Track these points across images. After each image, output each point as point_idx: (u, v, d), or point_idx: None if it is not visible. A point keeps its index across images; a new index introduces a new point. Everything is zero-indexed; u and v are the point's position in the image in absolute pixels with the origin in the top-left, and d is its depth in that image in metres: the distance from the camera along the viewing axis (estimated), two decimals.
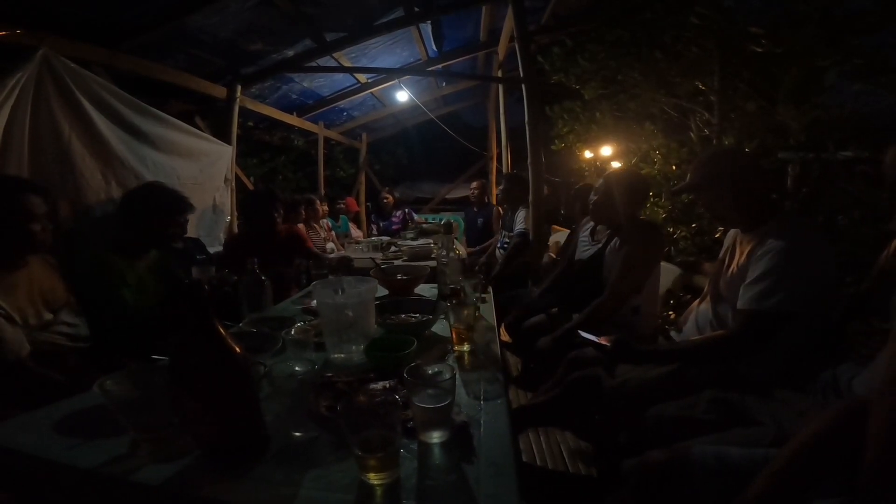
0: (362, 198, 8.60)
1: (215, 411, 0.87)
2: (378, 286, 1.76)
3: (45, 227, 1.73)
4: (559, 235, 4.06)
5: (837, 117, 2.42)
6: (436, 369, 1.04)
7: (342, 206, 6.49)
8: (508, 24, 4.86)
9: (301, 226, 4.38)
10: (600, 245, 2.45)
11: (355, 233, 6.34)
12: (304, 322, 1.70)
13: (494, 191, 7.13)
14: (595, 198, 2.42)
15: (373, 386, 1.14)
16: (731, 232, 1.78)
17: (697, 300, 1.81)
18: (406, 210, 6.58)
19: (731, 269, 1.60)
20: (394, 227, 6.22)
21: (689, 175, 1.77)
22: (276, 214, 3.16)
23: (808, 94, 2.44)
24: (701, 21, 2.80)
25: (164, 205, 2.25)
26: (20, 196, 1.67)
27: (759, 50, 2.62)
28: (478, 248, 5.25)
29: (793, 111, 2.44)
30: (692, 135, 3.25)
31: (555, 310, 2.58)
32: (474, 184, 5.82)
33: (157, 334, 1.82)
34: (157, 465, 0.89)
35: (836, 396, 1.30)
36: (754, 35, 2.64)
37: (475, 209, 5.68)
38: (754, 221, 1.57)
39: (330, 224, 5.58)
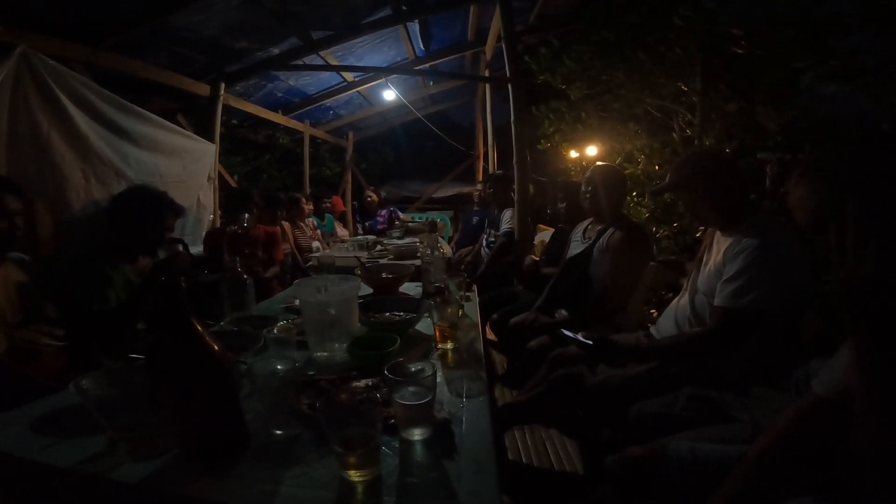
0: (348, 197, 8.56)
1: (194, 409, 0.87)
2: (362, 284, 1.76)
3: (19, 225, 1.72)
4: (544, 235, 4.07)
5: (813, 119, 2.47)
6: (418, 367, 1.04)
7: (328, 204, 6.46)
8: (496, 24, 4.88)
9: (287, 224, 4.37)
10: (590, 242, 2.49)
11: (341, 232, 6.31)
12: (287, 321, 1.69)
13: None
14: (587, 190, 2.51)
15: (355, 384, 1.15)
16: (710, 230, 1.81)
17: (677, 297, 1.84)
18: (391, 209, 6.57)
19: (708, 267, 1.63)
20: (379, 226, 6.20)
21: (668, 175, 1.80)
22: (247, 214, 3.21)
23: (786, 95, 2.48)
24: (684, 23, 2.84)
25: (154, 208, 2.23)
26: None
27: (740, 51, 2.66)
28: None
29: (771, 112, 2.48)
30: (675, 135, 3.29)
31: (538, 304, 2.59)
32: (479, 186, 5.83)
33: (129, 328, 1.82)
34: (136, 464, 0.89)
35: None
36: (735, 37, 2.68)
37: (475, 208, 5.66)
38: (731, 221, 1.60)
39: (315, 223, 5.55)
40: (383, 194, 6.76)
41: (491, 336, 2.98)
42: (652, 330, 1.91)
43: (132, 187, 2.41)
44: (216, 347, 0.88)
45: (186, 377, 0.85)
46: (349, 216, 8.11)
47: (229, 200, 3.46)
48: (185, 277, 2.17)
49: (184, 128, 3.94)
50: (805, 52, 2.38)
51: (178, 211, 2.36)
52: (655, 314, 2.75)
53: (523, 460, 2.14)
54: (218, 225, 4.16)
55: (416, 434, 0.95)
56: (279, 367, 1.18)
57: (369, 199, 6.49)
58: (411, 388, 0.95)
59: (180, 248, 2.17)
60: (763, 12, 2.65)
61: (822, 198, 1.04)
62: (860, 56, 2.34)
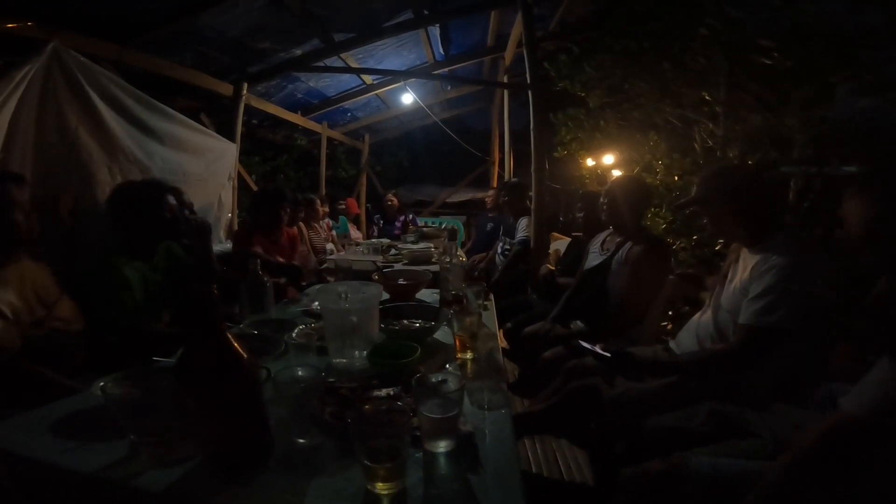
0: (363, 199, 8.60)
1: (222, 418, 0.86)
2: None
3: (29, 217, 1.68)
4: (559, 244, 4.07)
5: (842, 132, 2.44)
6: (441, 378, 1.04)
7: (343, 206, 6.48)
8: (516, 30, 4.88)
9: (302, 226, 4.40)
10: (608, 254, 2.48)
11: (354, 234, 6.33)
12: (306, 325, 1.69)
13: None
14: (606, 201, 2.50)
15: (377, 393, 1.15)
16: (735, 245, 1.79)
17: (699, 313, 1.82)
18: (410, 216, 6.56)
19: (733, 284, 1.61)
20: (396, 231, 6.20)
21: (694, 189, 1.79)
22: (284, 214, 3.25)
23: (818, 109, 2.45)
24: (709, 32, 2.81)
25: (145, 195, 2.15)
26: None
27: (769, 63, 2.62)
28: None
29: (798, 125, 2.45)
30: (696, 146, 3.26)
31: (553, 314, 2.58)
32: (491, 191, 5.81)
33: (163, 341, 1.81)
34: (158, 471, 0.88)
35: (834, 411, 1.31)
36: (763, 47, 2.65)
37: (490, 214, 5.64)
38: (758, 237, 1.58)
39: (331, 224, 5.57)
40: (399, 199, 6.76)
41: (503, 344, 2.97)
42: (671, 344, 1.89)
43: (115, 186, 2.31)
44: (245, 355, 0.88)
45: (216, 385, 0.85)
46: (363, 218, 8.14)
47: (259, 201, 3.41)
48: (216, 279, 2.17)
49: (206, 127, 3.98)
50: (839, 65, 2.35)
51: (170, 189, 2.28)
52: (671, 327, 2.72)
53: (533, 470, 2.13)
54: (236, 226, 4.21)
55: (441, 446, 0.95)
56: (301, 373, 1.18)
57: (390, 202, 6.49)
58: (438, 401, 0.95)
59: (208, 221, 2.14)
60: (789, 23, 2.62)
61: (878, 211, 1.03)
62: (892, 68, 2.31)
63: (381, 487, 0.83)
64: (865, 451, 0.91)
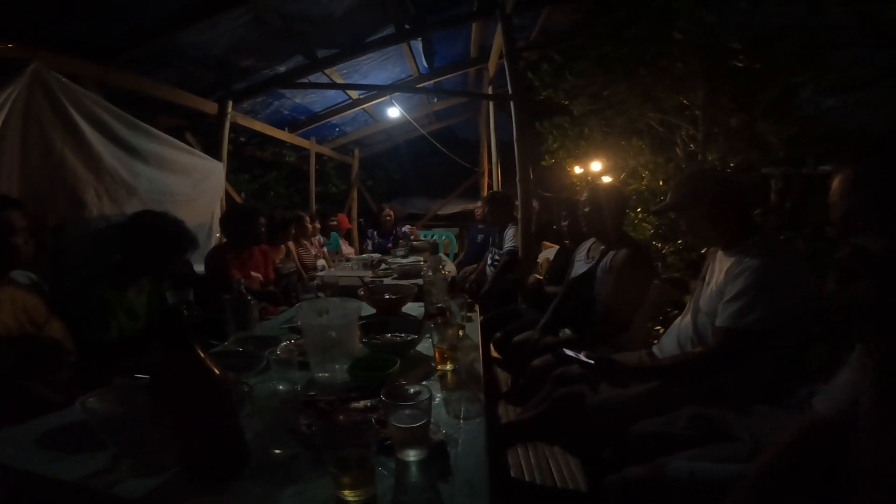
0: (354, 214, 8.60)
1: (193, 429, 0.89)
2: (364, 305, 1.77)
3: (27, 241, 1.73)
4: (549, 252, 4.08)
5: (815, 133, 2.46)
6: (415, 389, 1.05)
7: (334, 223, 6.48)
8: (498, 41, 4.94)
9: (291, 244, 4.38)
10: (593, 262, 2.49)
11: (346, 249, 6.33)
12: (290, 341, 1.70)
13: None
14: (585, 210, 2.51)
15: (354, 405, 1.16)
16: (712, 249, 1.81)
17: (680, 317, 1.84)
18: (404, 230, 6.56)
19: (710, 287, 1.63)
20: (389, 245, 6.20)
21: (669, 195, 1.80)
22: (260, 232, 3.23)
23: (785, 109, 2.48)
24: (684, 37, 2.85)
25: (171, 237, 2.19)
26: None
27: (740, 65, 2.66)
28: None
29: (772, 127, 2.48)
30: (678, 150, 3.29)
31: (541, 323, 2.59)
32: (480, 203, 5.86)
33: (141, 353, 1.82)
34: (138, 480, 0.91)
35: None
36: (735, 50, 2.69)
37: (479, 226, 5.66)
38: (733, 240, 1.60)
39: (322, 240, 5.57)
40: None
41: (495, 354, 2.97)
42: (655, 349, 1.90)
43: (150, 211, 2.36)
44: (216, 371, 0.90)
45: (186, 399, 0.87)
46: (355, 234, 8.15)
47: (229, 219, 3.40)
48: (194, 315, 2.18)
49: (192, 146, 3.99)
50: (803, 65, 2.38)
51: (194, 243, 2.32)
52: (662, 331, 2.73)
53: (526, 477, 2.12)
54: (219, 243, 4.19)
55: (412, 455, 0.96)
56: (280, 387, 1.19)
57: (388, 217, 6.50)
58: (408, 411, 0.96)
59: (190, 295, 2.18)
60: (761, 25, 2.66)
61: (854, 203, 1.03)
62: (859, 68, 2.34)
63: (348, 495, 0.85)
64: (838, 451, 0.92)
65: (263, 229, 3.29)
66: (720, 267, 1.62)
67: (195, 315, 2.07)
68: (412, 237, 6.18)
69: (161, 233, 2.17)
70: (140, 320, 2.12)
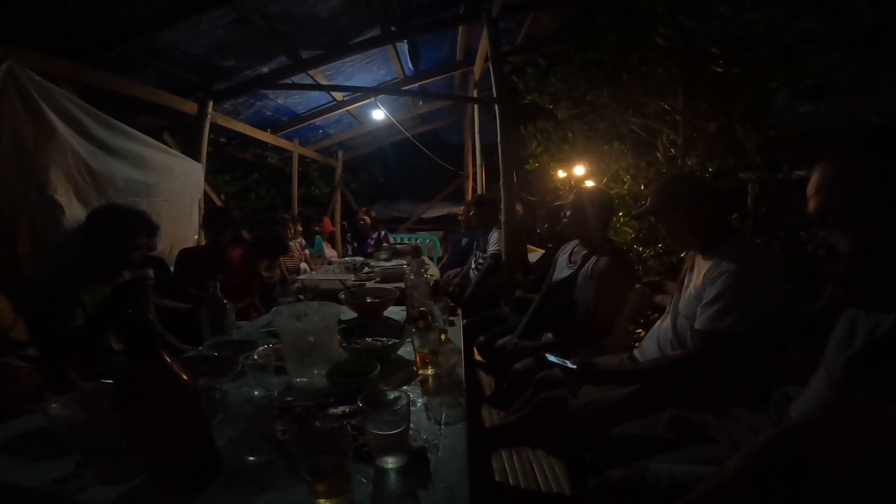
0: (338, 217, 8.53)
1: (159, 436, 0.87)
2: (343, 310, 1.75)
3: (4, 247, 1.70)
4: (534, 256, 4.09)
5: (789, 138, 2.50)
6: (393, 395, 1.03)
7: (318, 228, 6.40)
8: (484, 45, 4.94)
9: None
10: (575, 268, 2.49)
11: (329, 253, 6.27)
12: (268, 345, 1.67)
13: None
14: (568, 213, 2.52)
15: (332, 411, 1.13)
16: (691, 253, 1.82)
17: (659, 320, 1.85)
18: (383, 232, 6.50)
19: (689, 290, 1.64)
20: (369, 248, 6.13)
21: (648, 199, 1.81)
22: (225, 236, 3.21)
23: (761, 115, 2.52)
24: (665, 42, 2.88)
25: (124, 226, 2.14)
26: None
27: (719, 70, 2.69)
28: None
29: (749, 132, 2.51)
30: (659, 154, 3.32)
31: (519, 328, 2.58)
32: (461, 207, 5.84)
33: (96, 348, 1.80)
34: (104, 487, 0.89)
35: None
36: (714, 56, 2.72)
37: (463, 229, 5.64)
38: (711, 244, 1.61)
39: (304, 243, 5.51)
40: (373, 215, 6.69)
41: (479, 358, 2.95)
42: (636, 352, 1.91)
43: (104, 205, 2.35)
44: (184, 376, 0.87)
45: (152, 405, 0.84)
46: (338, 237, 8.07)
47: (206, 220, 3.41)
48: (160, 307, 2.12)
49: (170, 146, 3.93)
50: (779, 71, 2.41)
51: (151, 230, 2.26)
52: (643, 334, 2.74)
53: (510, 481, 2.10)
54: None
55: (391, 462, 0.94)
56: (255, 393, 1.16)
57: (362, 221, 6.42)
58: (386, 417, 0.94)
59: (150, 272, 2.13)
60: (739, 31, 2.70)
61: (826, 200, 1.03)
62: (833, 74, 2.38)
63: (324, 503, 0.83)
64: (809, 456, 0.92)
65: (227, 236, 3.29)
66: (698, 270, 1.63)
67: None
68: (383, 243, 6.11)
69: (114, 222, 2.14)
70: (109, 320, 2.06)
